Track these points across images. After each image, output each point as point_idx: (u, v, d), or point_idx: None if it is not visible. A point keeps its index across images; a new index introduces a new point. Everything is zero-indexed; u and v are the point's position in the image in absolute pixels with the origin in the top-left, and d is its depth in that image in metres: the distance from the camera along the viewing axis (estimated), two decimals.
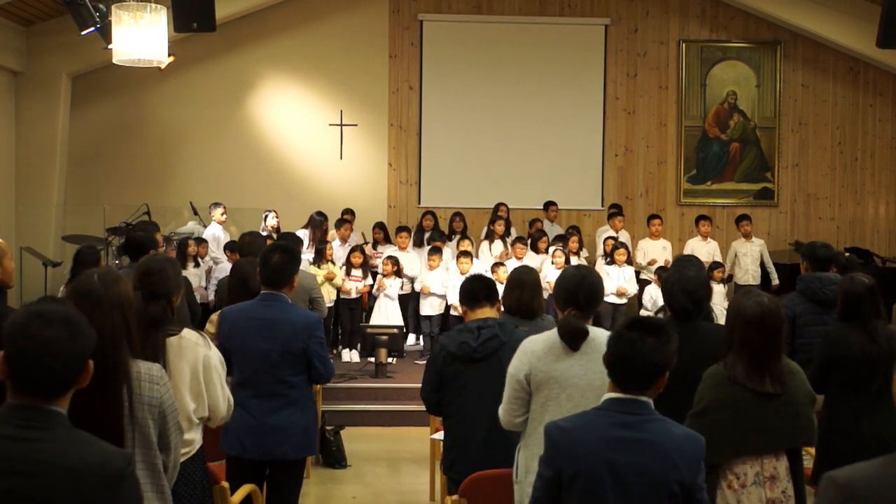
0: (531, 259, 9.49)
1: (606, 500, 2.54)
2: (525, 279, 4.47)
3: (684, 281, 3.87)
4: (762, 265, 10.56)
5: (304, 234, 9.50)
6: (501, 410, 3.52)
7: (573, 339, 3.35)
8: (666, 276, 4.10)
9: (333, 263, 9.23)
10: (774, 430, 3.32)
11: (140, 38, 7.63)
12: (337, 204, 11.03)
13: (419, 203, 12.08)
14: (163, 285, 3.33)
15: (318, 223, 9.93)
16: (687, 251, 10.37)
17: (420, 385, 4.18)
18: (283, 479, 4.28)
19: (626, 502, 2.54)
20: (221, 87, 12.03)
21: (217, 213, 10.13)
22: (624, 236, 10.68)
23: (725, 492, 3.35)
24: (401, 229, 10.11)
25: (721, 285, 9.99)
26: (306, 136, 12.16)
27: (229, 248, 8.94)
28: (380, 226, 10.57)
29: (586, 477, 2.55)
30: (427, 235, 10.41)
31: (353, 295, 9.41)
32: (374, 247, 10.34)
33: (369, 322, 9.30)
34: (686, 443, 2.59)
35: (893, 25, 8.67)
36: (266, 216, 10.01)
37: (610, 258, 9.67)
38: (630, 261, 9.86)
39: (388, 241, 10.47)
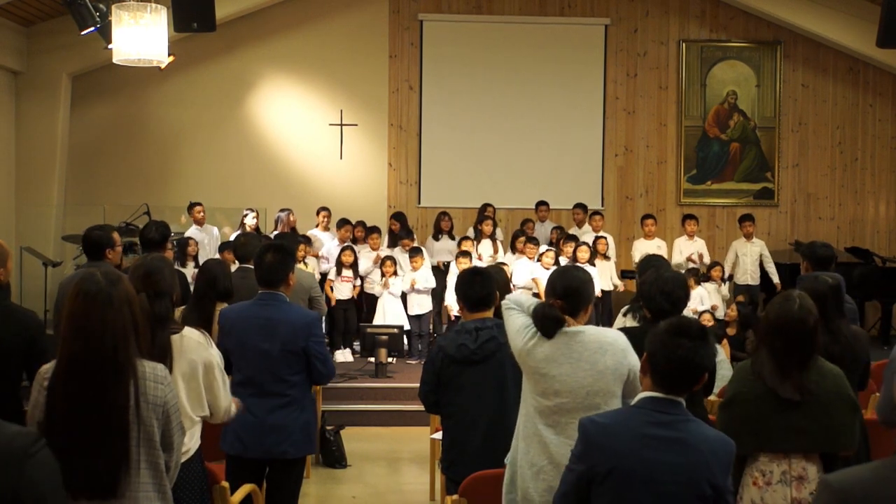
0: (526, 260, 9.54)
1: (639, 498, 2.56)
2: (497, 278, 4.37)
3: (661, 282, 3.88)
4: (761, 265, 10.54)
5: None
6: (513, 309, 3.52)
7: (543, 325, 3.34)
8: (643, 279, 4.09)
9: (306, 265, 9.14)
10: (801, 432, 3.30)
11: (140, 38, 7.62)
12: (337, 204, 11.03)
13: (419, 203, 12.08)
14: (164, 284, 3.36)
15: (284, 220, 9.85)
16: (675, 250, 10.38)
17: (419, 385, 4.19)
18: (283, 477, 4.29)
19: (658, 501, 2.55)
20: (221, 87, 12.03)
21: (194, 210, 10.05)
22: (589, 237, 10.39)
23: (750, 488, 3.36)
24: (371, 230, 10.04)
25: (722, 285, 9.98)
26: (306, 136, 12.16)
27: (224, 249, 8.88)
28: (361, 224, 10.44)
29: (621, 474, 2.57)
30: (397, 236, 10.35)
31: (346, 295, 9.42)
32: (354, 244, 10.22)
33: (372, 321, 9.29)
34: (719, 445, 2.62)
35: (893, 25, 8.66)
36: (245, 215, 9.87)
37: (573, 257, 9.53)
38: (592, 261, 9.56)
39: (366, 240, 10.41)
